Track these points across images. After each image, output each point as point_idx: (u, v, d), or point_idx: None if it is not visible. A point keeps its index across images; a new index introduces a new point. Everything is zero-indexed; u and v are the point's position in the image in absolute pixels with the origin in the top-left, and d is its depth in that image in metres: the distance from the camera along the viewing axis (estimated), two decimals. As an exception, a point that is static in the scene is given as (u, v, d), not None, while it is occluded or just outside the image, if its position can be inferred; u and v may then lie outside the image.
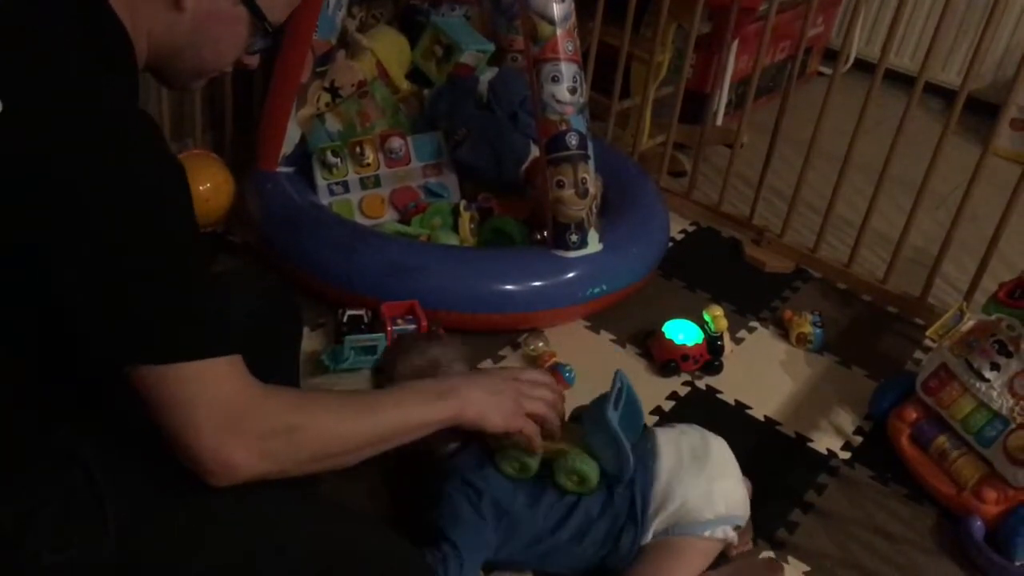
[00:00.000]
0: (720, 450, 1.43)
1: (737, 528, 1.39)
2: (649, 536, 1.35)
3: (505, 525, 1.34)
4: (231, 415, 0.88)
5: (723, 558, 1.43)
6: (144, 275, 0.84)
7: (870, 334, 2.11)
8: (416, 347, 1.56)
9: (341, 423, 1.00)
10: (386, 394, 1.16)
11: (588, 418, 1.40)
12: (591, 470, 1.34)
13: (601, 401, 1.37)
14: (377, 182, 2.12)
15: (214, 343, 0.88)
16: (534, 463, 1.34)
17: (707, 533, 1.36)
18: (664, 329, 1.91)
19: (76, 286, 0.83)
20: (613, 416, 1.32)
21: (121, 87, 0.91)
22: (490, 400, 1.18)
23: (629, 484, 1.36)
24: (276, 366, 1.38)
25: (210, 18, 0.98)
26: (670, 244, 2.23)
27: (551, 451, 1.35)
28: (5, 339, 0.87)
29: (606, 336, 1.97)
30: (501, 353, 1.88)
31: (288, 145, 2.07)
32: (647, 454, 1.39)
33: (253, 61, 1.08)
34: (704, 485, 1.37)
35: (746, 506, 1.42)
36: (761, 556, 1.48)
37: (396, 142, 2.13)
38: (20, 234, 0.82)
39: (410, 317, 1.79)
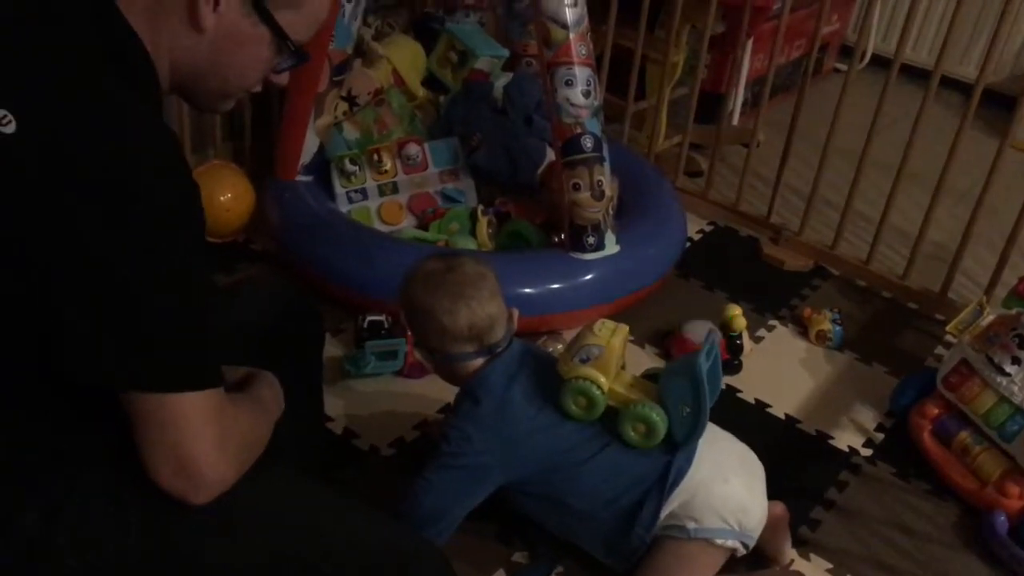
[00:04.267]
0: (762, 472, 1.41)
1: (746, 547, 1.38)
2: (666, 512, 1.32)
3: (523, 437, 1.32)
4: (221, 435, 0.90)
5: (743, 566, 1.43)
6: (144, 303, 0.85)
7: (890, 331, 2.11)
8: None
9: (268, 423, 1.03)
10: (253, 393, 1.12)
11: (671, 368, 1.36)
12: (661, 420, 1.30)
13: (690, 355, 1.33)
14: (395, 189, 2.14)
15: (208, 374, 0.90)
16: (602, 400, 1.31)
17: (728, 542, 1.34)
18: (683, 329, 1.92)
19: (74, 308, 0.83)
20: (704, 364, 1.28)
21: (145, 105, 0.90)
22: None
23: (670, 453, 1.33)
24: (299, 372, 1.40)
25: (231, 39, 0.96)
26: (687, 244, 2.23)
27: (620, 398, 1.32)
28: (15, 350, 0.88)
29: (625, 337, 1.98)
30: (520, 356, 1.88)
31: (306, 154, 2.10)
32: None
33: (282, 80, 1.07)
34: (746, 495, 1.36)
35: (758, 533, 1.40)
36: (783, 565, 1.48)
37: (413, 149, 2.15)
38: (26, 251, 0.82)
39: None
